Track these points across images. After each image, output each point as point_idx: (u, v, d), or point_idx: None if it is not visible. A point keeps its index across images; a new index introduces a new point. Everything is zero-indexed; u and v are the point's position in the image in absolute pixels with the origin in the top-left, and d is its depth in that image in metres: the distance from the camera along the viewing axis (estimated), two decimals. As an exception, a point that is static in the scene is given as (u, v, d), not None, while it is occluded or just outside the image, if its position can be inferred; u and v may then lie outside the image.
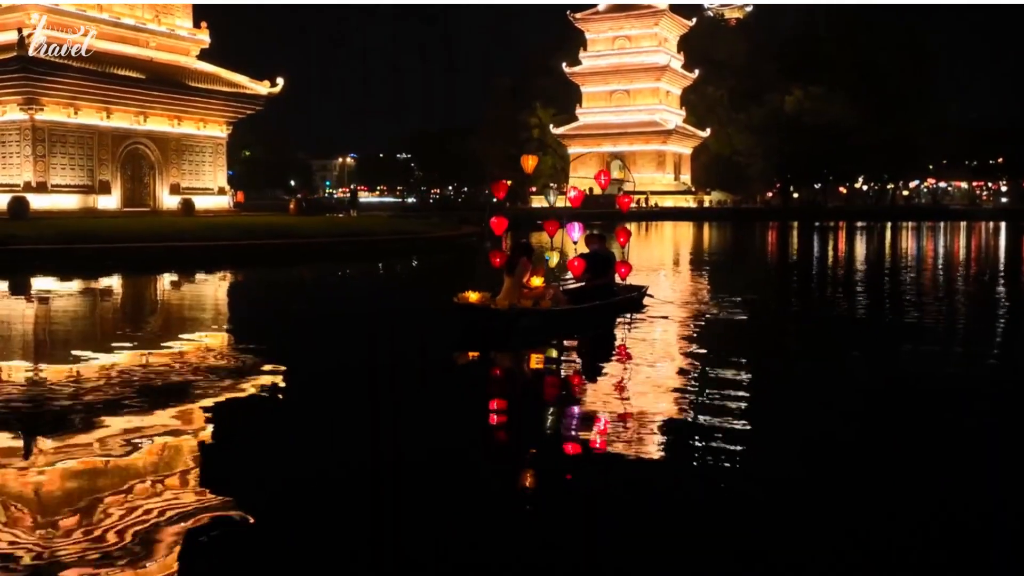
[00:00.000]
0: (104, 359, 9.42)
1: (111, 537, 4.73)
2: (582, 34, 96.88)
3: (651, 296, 13.52)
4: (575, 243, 12.88)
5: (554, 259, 12.38)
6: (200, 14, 38.93)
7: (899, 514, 5.59)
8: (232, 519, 5.11)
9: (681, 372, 9.18)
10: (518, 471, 6.29)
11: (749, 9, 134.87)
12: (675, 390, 8.41)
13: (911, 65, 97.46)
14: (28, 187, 31.24)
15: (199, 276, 20.44)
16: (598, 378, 9.05)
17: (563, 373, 9.35)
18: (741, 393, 8.43)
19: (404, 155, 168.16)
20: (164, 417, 7.06)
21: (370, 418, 7.42)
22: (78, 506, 5.16)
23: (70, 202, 32.31)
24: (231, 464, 6.20)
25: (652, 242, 44.25)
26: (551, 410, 7.93)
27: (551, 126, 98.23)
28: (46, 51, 29.91)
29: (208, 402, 7.63)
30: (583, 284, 12.30)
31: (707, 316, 12.99)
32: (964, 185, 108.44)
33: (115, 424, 6.81)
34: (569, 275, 12.58)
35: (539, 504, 5.89)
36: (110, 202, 33.94)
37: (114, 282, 19.51)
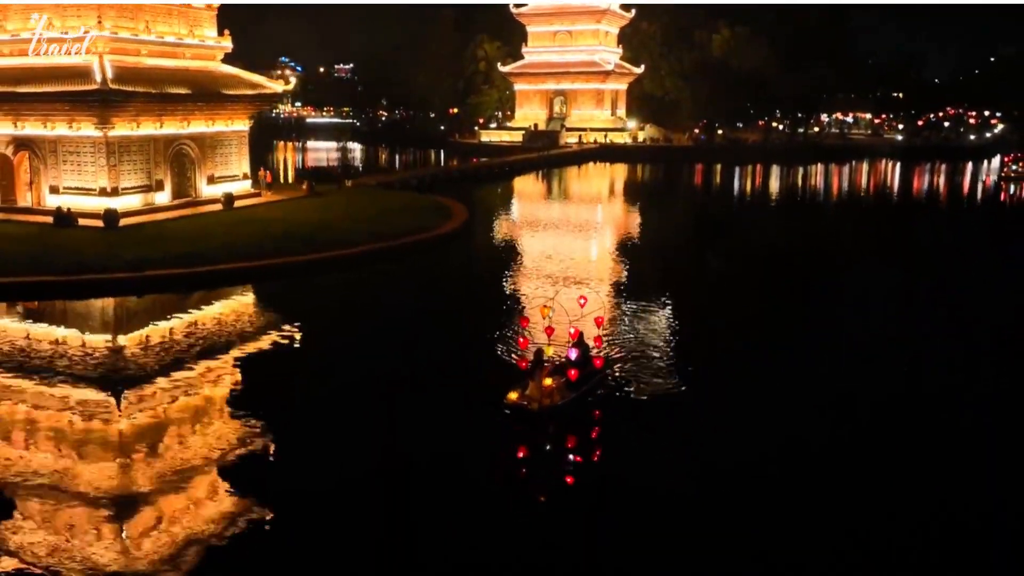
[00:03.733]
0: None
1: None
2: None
3: (608, 375, 19.44)
4: (572, 360, 18.33)
5: (549, 351, 18.75)
6: None
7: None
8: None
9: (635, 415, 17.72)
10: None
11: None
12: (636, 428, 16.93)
13: (826, 11, 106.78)
14: (103, 191, 37.84)
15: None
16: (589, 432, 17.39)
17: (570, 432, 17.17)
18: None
19: (346, 66, 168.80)
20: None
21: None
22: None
23: (135, 201, 39.00)
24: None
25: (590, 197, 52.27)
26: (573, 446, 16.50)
27: (499, 64, 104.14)
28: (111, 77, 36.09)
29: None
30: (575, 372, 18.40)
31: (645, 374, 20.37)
32: (868, 116, 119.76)
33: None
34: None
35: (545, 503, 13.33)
36: (163, 197, 40.68)
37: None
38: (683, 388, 18.90)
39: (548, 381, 17.45)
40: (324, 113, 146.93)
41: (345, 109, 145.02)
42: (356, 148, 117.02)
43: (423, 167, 71.11)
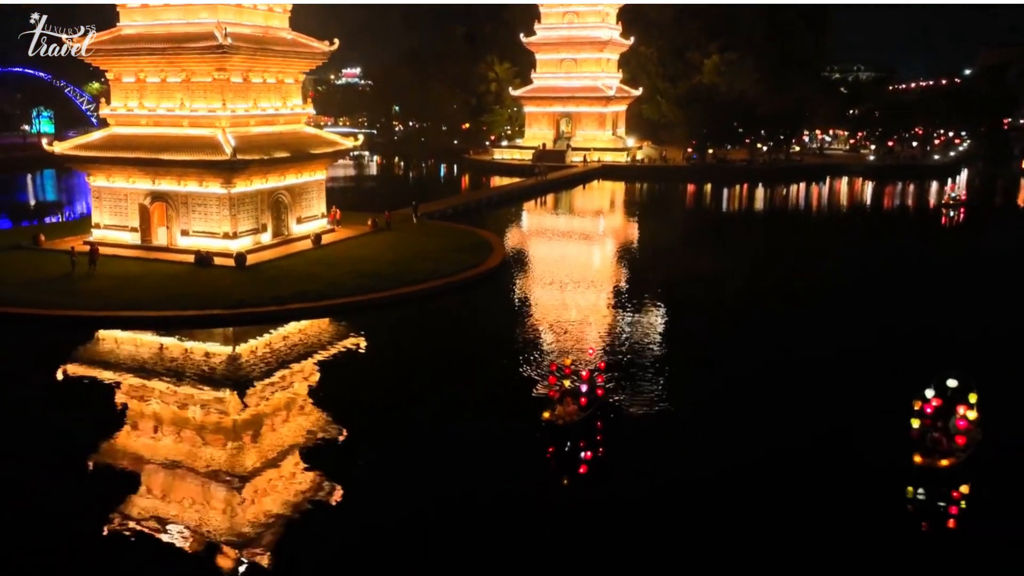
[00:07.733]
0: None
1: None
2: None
3: (611, 401, 30.06)
4: (584, 391, 27.00)
5: (567, 383, 28.90)
6: None
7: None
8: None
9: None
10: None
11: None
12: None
13: (811, 28, 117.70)
14: (226, 235, 48.17)
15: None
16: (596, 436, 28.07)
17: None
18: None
19: (353, 70, 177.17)
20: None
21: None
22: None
23: (248, 241, 49.32)
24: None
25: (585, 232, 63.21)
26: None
27: (510, 88, 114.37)
28: (234, 151, 46.30)
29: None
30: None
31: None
32: (846, 133, 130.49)
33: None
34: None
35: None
36: (266, 237, 51.01)
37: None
38: (663, 408, 29.04)
39: (570, 406, 27.30)
40: (340, 123, 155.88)
41: (361, 119, 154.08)
42: (372, 162, 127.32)
43: (453, 196, 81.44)
